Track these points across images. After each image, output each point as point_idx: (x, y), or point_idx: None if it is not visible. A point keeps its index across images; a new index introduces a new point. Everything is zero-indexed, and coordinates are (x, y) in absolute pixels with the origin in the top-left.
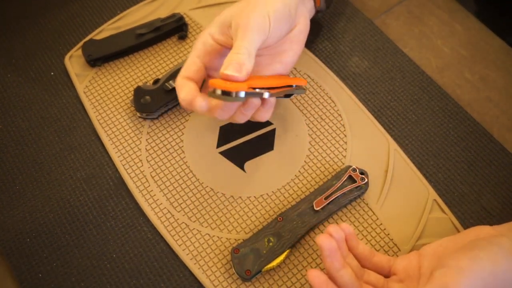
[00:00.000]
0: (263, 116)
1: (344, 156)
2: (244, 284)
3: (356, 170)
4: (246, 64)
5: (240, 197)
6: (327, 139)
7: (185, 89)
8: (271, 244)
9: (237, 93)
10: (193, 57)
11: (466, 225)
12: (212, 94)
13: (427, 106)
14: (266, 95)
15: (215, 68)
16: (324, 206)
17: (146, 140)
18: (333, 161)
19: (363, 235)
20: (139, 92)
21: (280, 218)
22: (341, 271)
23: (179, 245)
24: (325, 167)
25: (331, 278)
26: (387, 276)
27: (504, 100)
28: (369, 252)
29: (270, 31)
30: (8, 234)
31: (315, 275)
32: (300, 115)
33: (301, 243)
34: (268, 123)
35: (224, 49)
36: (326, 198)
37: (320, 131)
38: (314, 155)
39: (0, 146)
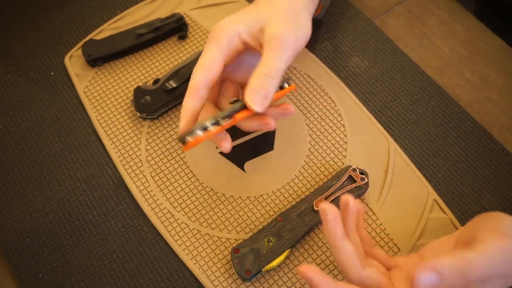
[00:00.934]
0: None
1: (344, 156)
2: (244, 284)
3: (356, 170)
4: (272, 94)
5: (240, 197)
6: (327, 139)
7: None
8: (271, 244)
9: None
10: (215, 54)
11: None
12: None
13: (427, 106)
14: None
15: (230, 71)
16: None
17: (146, 140)
18: (333, 161)
19: None
20: (139, 92)
21: (280, 218)
22: (345, 241)
23: (179, 245)
24: (325, 167)
25: (334, 247)
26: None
27: (504, 100)
28: (370, 240)
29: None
30: (8, 234)
31: (306, 267)
32: (300, 115)
33: (301, 243)
34: None
35: (246, 51)
36: (326, 198)
37: (320, 131)
38: (314, 155)
39: (0, 146)
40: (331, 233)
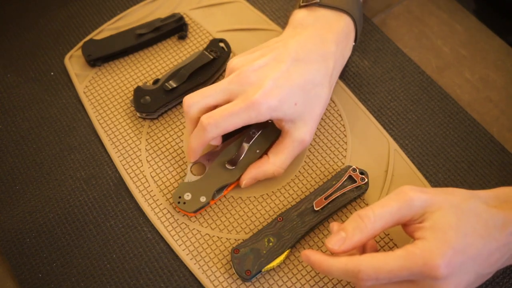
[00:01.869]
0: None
1: (344, 156)
2: (244, 284)
3: (356, 170)
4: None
5: (240, 197)
6: (327, 139)
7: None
8: (271, 244)
9: None
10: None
11: None
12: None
13: (427, 106)
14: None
15: None
16: (324, 206)
17: (146, 140)
18: (333, 161)
19: None
20: (139, 92)
21: (280, 218)
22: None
23: (179, 245)
24: (325, 167)
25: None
26: None
27: (504, 100)
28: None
29: None
30: (8, 234)
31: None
32: None
33: (301, 243)
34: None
35: None
36: (326, 198)
37: (320, 131)
38: (314, 155)
39: (0, 146)
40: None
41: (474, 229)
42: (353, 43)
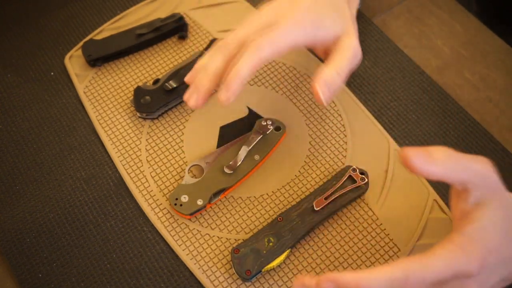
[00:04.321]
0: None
1: (344, 156)
2: (244, 284)
3: (356, 170)
4: (335, 93)
5: (240, 197)
6: (327, 139)
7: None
8: (271, 244)
9: None
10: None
11: None
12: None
13: (427, 106)
14: None
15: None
16: (324, 206)
17: (146, 140)
18: (333, 161)
19: (363, 235)
20: (139, 92)
21: (280, 218)
22: None
23: (179, 245)
24: (325, 167)
25: None
26: None
27: (504, 100)
28: None
29: None
30: (8, 234)
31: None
32: (300, 115)
33: (301, 243)
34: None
35: None
36: (326, 198)
37: (320, 131)
38: (314, 155)
39: (0, 146)
40: None
41: (509, 231)
42: None
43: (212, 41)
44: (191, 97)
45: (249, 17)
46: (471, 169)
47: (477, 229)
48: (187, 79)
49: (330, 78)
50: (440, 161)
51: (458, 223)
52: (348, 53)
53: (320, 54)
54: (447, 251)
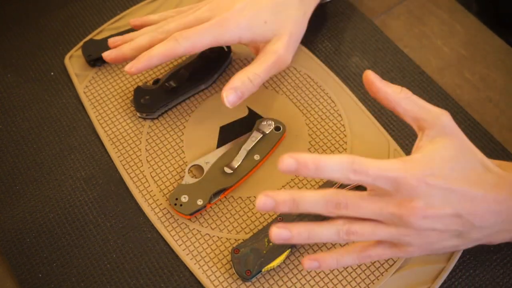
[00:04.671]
0: None
1: None
2: (244, 284)
3: None
4: (244, 98)
5: (240, 197)
6: (327, 139)
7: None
8: (271, 244)
9: None
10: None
11: None
12: None
13: None
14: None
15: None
16: None
17: (146, 140)
18: None
19: None
20: (139, 92)
21: (280, 218)
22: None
23: (179, 245)
24: None
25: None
26: None
27: (504, 100)
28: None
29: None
30: (8, 234)
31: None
32: (300, 115)
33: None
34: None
35: None
36: None
37: (320, 131)
38: None
39: (0, 146)
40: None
41: (464, 171)
42: None
43: None
44: (111, 54)
45: (190, 9)
46: (426, 108)
47: (421, 155)
48: (113, 40)
49: (239, 84)
50: (394, 86)
51: (418, 140)
52: (270, 59)
53: (252, 51)
54: (389, 160)
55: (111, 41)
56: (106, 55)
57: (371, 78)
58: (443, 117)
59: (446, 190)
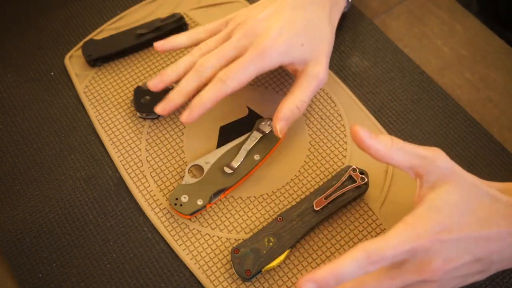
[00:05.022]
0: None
1: (344, 156)
2: (244, 284)
3: (356, 170)
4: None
5: (240, 197)
6: (327, 139)
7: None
8: (271, 244)
9: None
10: (253, 75)
11: None
12: None
13: (427, 106)
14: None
15: None
16: (324, 206)
17: (146, 140)
18: (333, 161)
19: (363, 235)
20: (139, 92)
21: (280, 218)
22: None
23: (179, 245)
24: (325, 167)
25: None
26: None
27: (504, 100)
28: None
29: None
30: (8, 234)
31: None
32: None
33: (301, 243)
34: None
35: None
36: (326, 198)
37: (320, 131)
38: (314, 155)
39: (0, 146)
40: None
41: (473, 211)
42: None
43: None
44: (165, 107)
45: (217, 28)
46: (419, 154)
47: (427, 208)
48: (154, 84)
49: (289, 114)
50: (384, 140)
51: (414, 207)
52: (313, 84)
53: (289, 70)
54: (399, 229)
55: (152, 85)
56: (159, 110)
57: (360, 135)
58: (438, 160)
59: (460, 240)
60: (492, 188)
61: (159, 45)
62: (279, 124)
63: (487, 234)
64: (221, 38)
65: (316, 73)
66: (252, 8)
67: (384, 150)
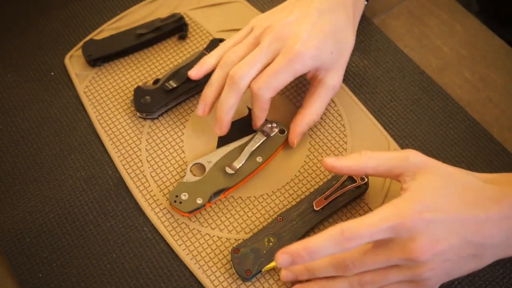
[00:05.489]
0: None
1: None
2: (244, 284)
3: None
4: None
5: (240, 197)
6: (327, 139)
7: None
8: (271, 244)
9: None
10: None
11: None
12: None
13: (427, 106)
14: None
15: None
16: (324, 206)
17: (146, 140)
18: None
19: None
20: (139, 92)
21: (280, 218)
22: None
23: (179, 245)
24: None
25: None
26: None
27: (504, 100)
28: None
29: None
30: (8, 234)
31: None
32: None
33: None
34: None
35: None
36: (326, 198)
37: (320, 131)
38: (314, 155)
39: (0, 146)
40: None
41: (458, 194)
42: None
43: (212, 41)
44: (219, 130)
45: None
46: (391, 157)
47: (410, 192)
48: (203, 107)
49: (306, 128)
50: (353, 155)
51: (401, 190)
52: (330, 96)
53: (306, 77)
54: (379, 209)
55: (203, 108)
56: (217, 132)
57: (330, 164)
58: (411, 156)
59: (445, 220)
60: (477, 175)
61: (193, 73)
62: (297, 138)
63: (475, 216)
64: (249, 42)
65: (334, 84)
66: (277, 12)
67: (355, 163)
